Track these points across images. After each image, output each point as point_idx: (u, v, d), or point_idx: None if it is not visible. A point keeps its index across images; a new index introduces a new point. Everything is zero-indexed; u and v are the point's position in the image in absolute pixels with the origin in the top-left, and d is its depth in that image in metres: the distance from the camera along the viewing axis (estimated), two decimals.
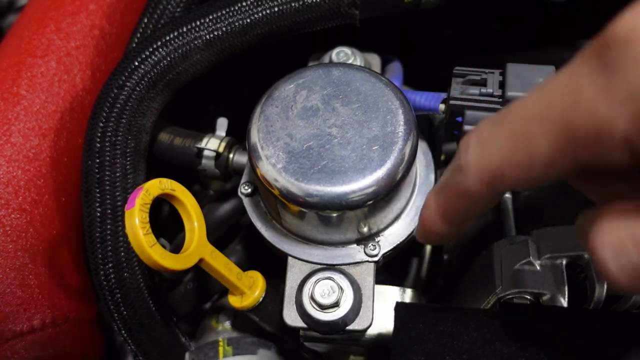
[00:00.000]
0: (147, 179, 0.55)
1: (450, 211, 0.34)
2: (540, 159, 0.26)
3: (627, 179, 0.26)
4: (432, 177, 0.51)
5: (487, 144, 0.28)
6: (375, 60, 0.59)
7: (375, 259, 0.47)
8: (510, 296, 0.47)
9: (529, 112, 0.26)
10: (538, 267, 0.47)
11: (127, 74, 0.53)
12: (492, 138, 0.28)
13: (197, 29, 0.53)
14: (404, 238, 0.49)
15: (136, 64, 0.53)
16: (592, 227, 0.26)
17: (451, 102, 0.47)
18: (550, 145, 0.25)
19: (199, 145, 0.56)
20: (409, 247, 0.51)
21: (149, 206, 0.39)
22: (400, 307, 0.44)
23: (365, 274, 0.47)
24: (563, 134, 0.25)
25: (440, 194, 0.34)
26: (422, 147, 0.53)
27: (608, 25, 0.23)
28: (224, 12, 0.54)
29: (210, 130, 0.58)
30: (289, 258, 0.48)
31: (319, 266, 0.47)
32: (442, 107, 0.50)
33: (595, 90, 0.23)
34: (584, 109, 0.24)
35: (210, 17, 0.54)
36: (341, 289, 0.45)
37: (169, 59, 0.53)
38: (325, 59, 0.58)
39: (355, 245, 0.48)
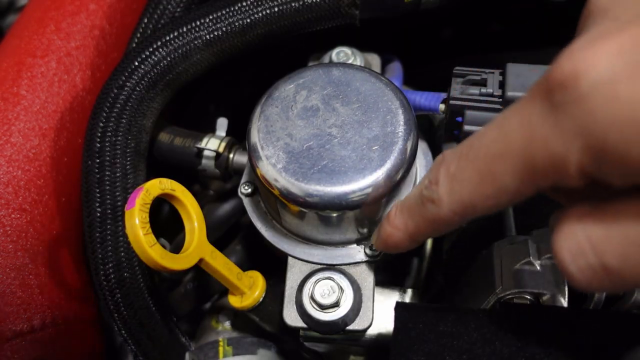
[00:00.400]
0: (147, 179, 0.55)
1: (419, 234, 0.38)
2: (506, 191, 0.29)
3: (586, 187, 0.28)
4: None
5: (455, 180, 0.32)
6: (375, 60, 0.59)
7: (376, 259, 0.47)
8: (510, 296, 0.47)
9: (490, 150, 0.29)
10: (538, 267, 0.47)
11: (127, 74, 0.53)
12: (460, 174, 0.31)
13: (197, 29, 0.53)
14: None
15: (136, 64, 0.53)
16: (554, 231, 0.29)
17: (451, 102, 0.47)
18: (514, 179, 0.28)
19: (199, 145, 0.56)
20: None
21: (149, 206, 0.39)
22: (400, 307, 0.44)
23: (365, 274, 0.47)
24: (524, 169, 0.28)
25: (410, 218, 0.37)
26: (422, 147, 0.53)
27: (549, 68, 0.26)
28: (224, 12, 0.54)
29: (210, 130, 0.58)
30: (289, 258, 0.48)
31: (319, 266, 0.47)
32: (442, 107, 0.50)
33: (546, 128, 0.26)
34: (540, 146, 0.26)
35: (210, 17, 0.54)
36: (341, 289, 0.45)
37: (169, 59, 0.53)
38: (325, 59, 0.58)
39: (355, 245, 0.48)
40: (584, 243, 0.27)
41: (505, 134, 0.28)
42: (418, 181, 0.51)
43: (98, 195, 0.51)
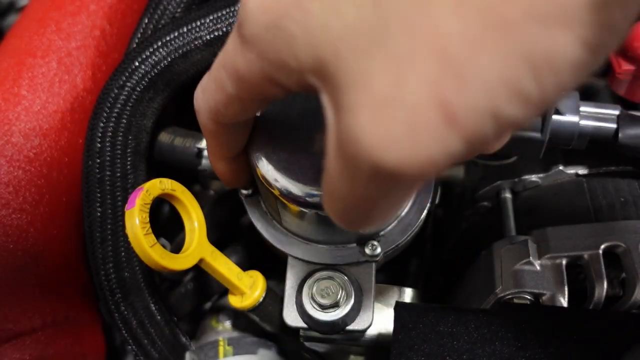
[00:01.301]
0: (147, 179, 0.55)
1: (216, 146, 0.41)
2: (232, 96, 0.33)
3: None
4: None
5: (204, 90, 0.36)
6: None
7: (376, 259, 0.47)
8: (510, 296, 0.47)
9: (218, 61, 0.34)
10: (538, 267, 0.47)
11: (127, 74, 0.53)
12: (205, 85, 0.36)
13: (197, 29, 0.54)
14: (404, 238, 0.49)
15: (137, 64, 0.53)
16: None
17: None
18: (232, 84, 0.33)
19: (199, 146, 0.56)
20: (409, 247, 0.51)
21: (149, 206, 0.39)
22: (400, 307, 0.44)
23: (365, 274, 0.47)
24: (235, 77, 0.32)
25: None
26: None
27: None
28: (224, 12, 0.54)
29: None
30: (289, 258, 0.48)
31: (319, 266, 0.47)
32: None
33: (241, 52, 0.31)
34: (239, 62, 0.31)
35: (211, 17, 0.54)
36: (341, 289, 0.45)
37: (169, 59, 0.53)
38: None
39: (355, 245, 0.48)
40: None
41: (224, 51, 0.33)
42: None
43: (98, 195, 0.51)
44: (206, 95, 0.36)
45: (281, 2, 0.27)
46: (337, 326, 0.45)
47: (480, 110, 0.22)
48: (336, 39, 0.25)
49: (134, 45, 0.58)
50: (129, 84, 0.53)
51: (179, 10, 0.58)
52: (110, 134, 0.52)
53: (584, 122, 0.45)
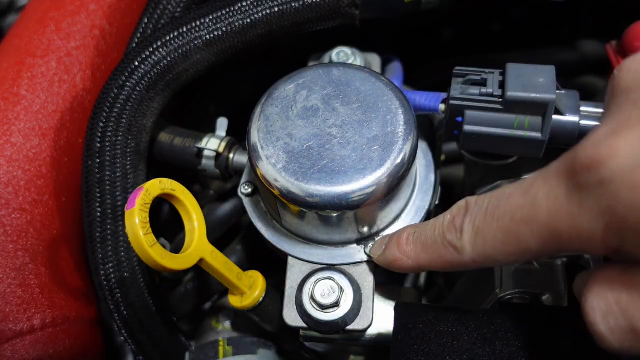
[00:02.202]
0: (147, 179, 0.55)
1: (428, 267, 0.40)
2: (529, 252, 0.32)
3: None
4: (432, 177, 0.51)
5: (480, 234, 0.34)
6: (375, 60, 0.59)
7: None
8: (510, 296, 0.47)
9: (516, 215, 0.32)
10: (538, 267, 0.47)
11: (127, 74, 0.53)
12: (485, 230, 0.34)
13: (197, 29, 0.53)
14: None
15: (136, 64, 0.53)
16: (584, 292, 0.31)
17: (451, 102, 0.47)
18: (538, 243, 0.31)
19: (199, 146, 0.56)
20: None
21: (149, 206, 0.39)
22: (400, 307, 0.44)
23: (365, 274, 0.47)
24: (549, 237, 0.31)
25: (424, 252, 0.40)
26: (422, 147, 0.53)
27: (575, 150, 0.29)
28: (224, 12, 0.54)
29: (211, 130, 0.58)
30: (289, 258, 0.48)
31: (319, 266, 0.47)
32: (442, 107, 0.50)
33: (572, 205, 0.29)
34: (567, 220, 0.29)
35: (211, 17, 0.54)
36: (341, 289, 0.45)
37: (169, 59, 0.53)
38: (325, 59, 0.58)
39: (355, 245, 0.48)
40: (614, 305, 0.29)
41: (532, 203, 0.31)
42: (418, 181, 0.51)
43: (98, 195, 0.51)
44: (485, 241, 0.34)
45: None
46: (337, 326, 0.45)
47: None
48: None
49: (134, 45, 0.57)
50: (128, 83, 0.53)
51: (179, 10, 0.58)
52: (110, 134, 0.52)
53: (584, 122, 0.45)
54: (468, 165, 0.58)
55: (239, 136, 0.57)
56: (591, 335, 0.31)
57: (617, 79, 0.32)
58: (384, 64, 0.60)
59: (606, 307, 0.30)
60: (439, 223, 0.39)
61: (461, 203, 0.37)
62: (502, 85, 0.46)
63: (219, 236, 0.62)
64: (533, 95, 0.44)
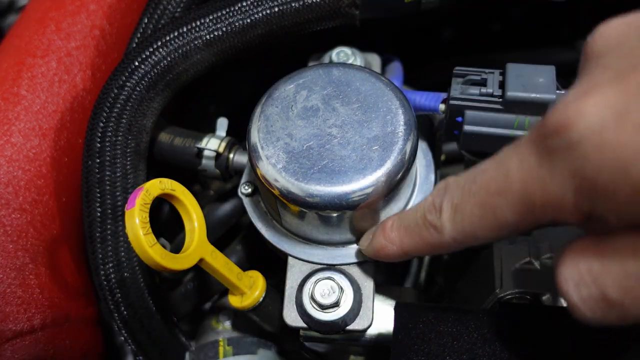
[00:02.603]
0: (147, 179, 0.55)
1: (414, 251, 0.40)
2: (506, 225, 0.32)
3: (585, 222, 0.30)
4: (432, 177, 0.51)
5: (458, 211, 0.34)
6: (375, 60, 0.59)
7: None
8: (510, 296, 0.47)
9: (490, 187, 0.32)
10: (538, 267, 0.47)
11: (127, 74, 0.53)
12: (463, 206, 0.34)
13: (197, 29, 0.53)
14: None
15: (136, 64, 0.53)
16: (557, 263, 0.31)
17: (451, 102, 0.47)
18: (514, 214, 0.31)
19: (199, 145, 0.56)
20: None
21: (149, 206, 0.39)
22: (400, 307, 0.44)
23: (365, 274, 0.47)
24: (523, 206, 0.30)
25: (407, 236, 0.40)
26: (422, 147, 0.53)
27: (544, 116, 0.29)
28: (224, 12, 0.54)
29: (211, 130, 0.58)
30: (289, 258, 0.48)
31: (319, 266, 0.47)
32: (442, 107, 0.50)
33: (543, 171, 0.29)
34: (538, 186, 0.29)
35: (211, 17, 0.54)
36: (341, 289, 0.45)
37: (169, 59, 0.53)
38: (325, 59, 0.58)
39: (355, 245, 0.48)
40: (586, 275, 0.29)
41: (505, 173, 0.31)
42: (418, 181, 0.51)
43: (98, 195, 0.51)
44: (462, 217, 0.34)
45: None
46: (337, 326, 0.45)
47: None
48: None
49: (134, 45, 0.57)
50: (128, 83, 0.53)
51: (178, 10, 0.58)
52: (110, 133, 0.52)
53: None
54: (468, 165, 0.58)
55: (239, 136, 0.57)
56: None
57: (589, 45, 0.32)
58: (384, 64, 0.60)
59: (578, 277, 0.29)
60: (420, 206, 0.39)
61: (441, 184, 0.37)
62: (502, 85, 0.46)
63: (219, 236, 0.62)
64: (533, 95, 0.44)
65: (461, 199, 0.34)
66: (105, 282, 0.51)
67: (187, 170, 0.58)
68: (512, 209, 0.31)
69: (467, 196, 0.34)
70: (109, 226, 0.51)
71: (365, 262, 0.47)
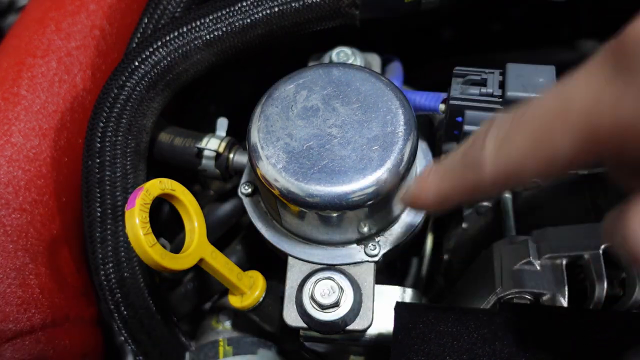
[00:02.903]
0: (147, 179, 0.55)
1: (450, 198, 0.34)
2: (563, 156, 0.27)
3: None
4: None
5: (506, 141, 0.29)
6: (375, 60, 0.59)
7: (375, 259, 0.47)
8: (510, 296, 0.47)
9: (549, 111, 0.27)
10: (538, 267, 0.47)
11: (127, 74, 0.53)
12: (512, 135, 0.28)
13: (197, 29, 0.53)
14: (404, 238, 0.49)
15: (136, 64, 0.53)
16: (622, 219, 0.26)
17: (451, 102, 0.47)
18: (573, 144, 0.26)
19: (199, 145, 0.56)
20: (409, 247, 0.51)
21: (149, 206, 0.39)
22: (400, 307, 0.44)
23: (365, 274, 0.47)
24: (585, 134, 0.25)
25: (445, 179, 0.34)
26: (422, 147, 0.53)
27: (620, 31, 0.24)
28: (224, 12, 0.54)
29: (211, 130, 0.58)
30: (289, 258, 0.48)
31: (319, 266, 0.47)
32: (442, 107, 0.50)
33: (616, 92, 0.24)
34: (607, 109, 0.24)
35: (211, 17, 0.54)
36: (341, 289, 0.45)
37: (169, 59, 0.53)
38: (325, 59, 0.58)
39: (355, 245, 0.48)
40: None
41: (567, 95, 0.26)
42: None
43: (98, 195, 0.51)
44: (509, 149, 0.29)
45: None
46: (337, 326, 0.45)
47: None
48: None
49: (134, 45, 0.57)
50: (128, 83, 0.53)
51: (178, 10, 0.58)
52: (110, 133, 0.52)
53: None
54: None
55: (239, 136, 0.57)
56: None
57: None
58: (384, 64, 0.60)
59: None
60: (462, 145, 0.33)
61: (486, 121, 0.32)
62: (502, 85, 0.46)
63: (219, 236, 0.62)
64: (533, 95, 0.44)
65: (510, 129, 0.29)
66: (105, 282, 0.51)
67: (187, 170, 0.58)
68: (572, 136, 0.26)
69: (517, 126, 0.29)
70: (109, 226, 0.51)
71: (365, 262, 0.47)
